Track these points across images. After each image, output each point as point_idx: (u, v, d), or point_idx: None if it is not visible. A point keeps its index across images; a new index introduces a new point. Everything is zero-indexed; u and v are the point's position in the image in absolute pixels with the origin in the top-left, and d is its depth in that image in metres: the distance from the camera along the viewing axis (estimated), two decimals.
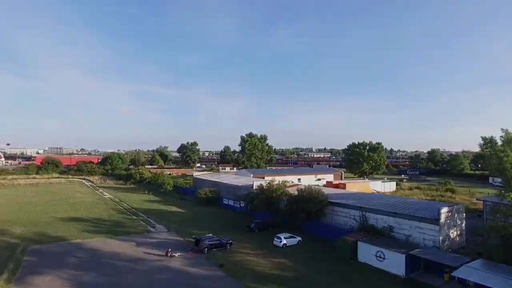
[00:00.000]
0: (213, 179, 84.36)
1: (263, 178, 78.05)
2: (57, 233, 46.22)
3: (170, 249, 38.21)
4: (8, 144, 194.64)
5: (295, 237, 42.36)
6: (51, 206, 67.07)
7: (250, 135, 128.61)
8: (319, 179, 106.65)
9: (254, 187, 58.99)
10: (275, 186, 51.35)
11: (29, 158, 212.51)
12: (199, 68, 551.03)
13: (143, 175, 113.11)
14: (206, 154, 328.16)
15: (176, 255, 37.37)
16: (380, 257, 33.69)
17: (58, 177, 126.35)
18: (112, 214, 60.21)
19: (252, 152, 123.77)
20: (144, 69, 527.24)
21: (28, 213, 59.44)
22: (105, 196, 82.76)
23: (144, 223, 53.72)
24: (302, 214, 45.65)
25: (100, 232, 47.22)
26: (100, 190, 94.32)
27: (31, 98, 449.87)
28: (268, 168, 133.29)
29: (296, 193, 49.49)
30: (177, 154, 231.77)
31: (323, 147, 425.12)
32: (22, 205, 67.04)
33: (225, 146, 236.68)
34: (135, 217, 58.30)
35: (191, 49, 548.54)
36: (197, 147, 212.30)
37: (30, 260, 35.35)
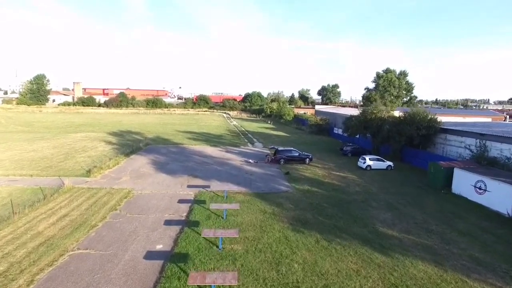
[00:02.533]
0: (331, 111, 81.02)
1: None
2: (170, 139, 55.75)
3: (250, 159, 39.86)
4: (180, 87, 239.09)
5: (384, 161, 36.93)
6: (184, 125, 79.16)
7: (387, 71, 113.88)
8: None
9: None
10: (377, 108, 44.99)
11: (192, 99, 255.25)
12: (345, 23, 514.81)
13: (273, 109, 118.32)
14: (350, 97, 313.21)
15: (252, 161, 38.66)
16: (480, 188, 25.80)
17: (205, 111, 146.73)
18: (225, 133, 66.38)
19: (387, 89, 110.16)
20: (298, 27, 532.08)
21: (161, 127, 72.15)
22: (231, 123, 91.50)
23: (246, 141, 57.23)
24: (401, 139, 38.88)
25: (203, 141, 53.98)
26: (231, 120, 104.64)
27: (214, 57, 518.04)
28: (405, 107, 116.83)
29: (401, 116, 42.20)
30: (318, 97, 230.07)
31: (507, 99, 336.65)
32: (165, 124, 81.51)
33: (365, 88, 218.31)
34: (242, 136, 62.76)
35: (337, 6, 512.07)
36: (338, 90, 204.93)
37: (143, 149, 45.04)
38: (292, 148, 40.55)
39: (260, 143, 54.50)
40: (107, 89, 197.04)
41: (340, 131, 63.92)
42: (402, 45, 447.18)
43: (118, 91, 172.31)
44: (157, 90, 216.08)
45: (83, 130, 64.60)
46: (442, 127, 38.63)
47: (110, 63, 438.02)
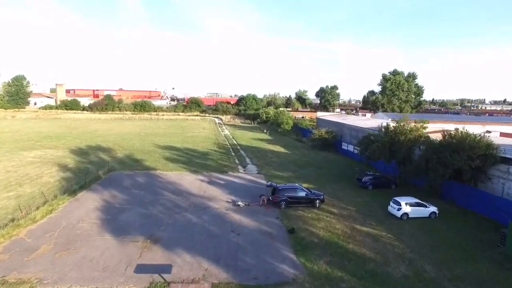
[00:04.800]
0: (337, 120, 70.13)
1: None
2: (144, 159, 44.99)
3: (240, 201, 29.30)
4: (173, 88, 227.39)
5: (426, 206, 26.52)
6: (167, 137, 67.97)
7: (394, 73, 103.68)
8: (488, 132, 77.23)
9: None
10: (406, 126, 34.60)
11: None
12: (345, 23, 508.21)
13: (269, 115, 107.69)
14: (349, 99, 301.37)
15: (241, 204, 28.10)
16: None
17: (196, 115, 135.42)
18: (213, 149, 55.52)
19: (395, 93, 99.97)
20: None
21: (139, 141, 61.21)
22: (223, 133, 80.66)
23: (237, 162, 46.48)
24: (445, 172, 28.38)
25: (184, 162, 43.63)
26: (223, 127, 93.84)
27: (207, 56, 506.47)
28: (414, 113, 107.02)
29: (439, 138, 31.76)
30: (316, 99, 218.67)
31: (502, 99, 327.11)
32: (146, 135, 70.21)
33: (368, 91, 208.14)
34: (233, 154, 52.04)
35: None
36: (337, 91, 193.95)
37: (101, 180, 34.94)
38: (297, 185, 29.76)
39: (254, 166, 43.93)
40: (98, 90, 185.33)
41: (350, 147, 53.53)
42: (399, 46, 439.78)
43: (109, 92, 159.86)
44: (150, 91, 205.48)
45: (44, 146, 53.65)
46: (503, 155, 28.24)
47: (104, 64, 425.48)
